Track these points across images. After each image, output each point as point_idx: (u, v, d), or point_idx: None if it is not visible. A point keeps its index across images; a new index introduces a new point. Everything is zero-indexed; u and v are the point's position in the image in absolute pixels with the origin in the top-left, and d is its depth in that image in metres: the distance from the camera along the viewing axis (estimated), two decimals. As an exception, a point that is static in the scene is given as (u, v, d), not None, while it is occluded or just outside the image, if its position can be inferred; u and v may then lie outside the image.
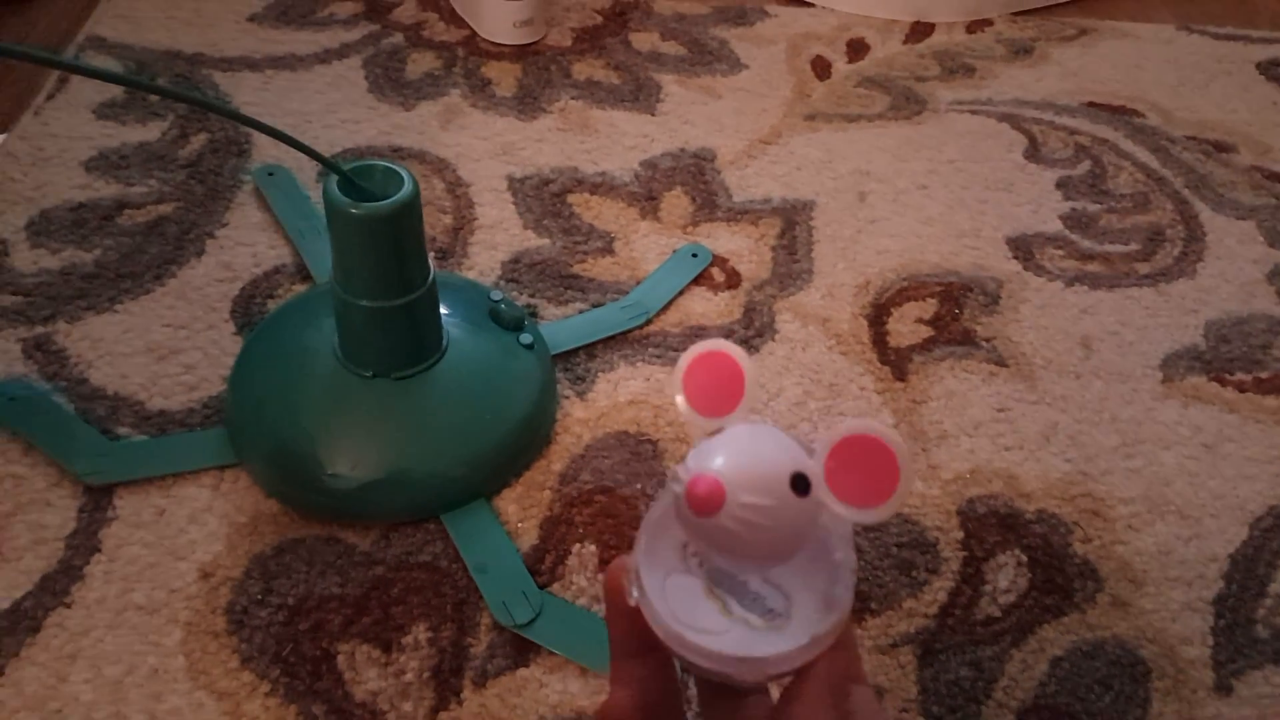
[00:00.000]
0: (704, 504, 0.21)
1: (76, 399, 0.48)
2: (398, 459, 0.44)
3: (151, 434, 0.47)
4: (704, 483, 0.21)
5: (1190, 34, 0.83)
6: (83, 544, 0.43)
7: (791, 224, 0.62)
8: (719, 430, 0.24)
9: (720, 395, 0.24)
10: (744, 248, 0.60)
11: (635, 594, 0.24)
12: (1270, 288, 0.61)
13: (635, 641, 0.26)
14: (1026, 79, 0.76)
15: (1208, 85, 0.77)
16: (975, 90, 0.75)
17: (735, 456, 0.22)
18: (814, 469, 0.22)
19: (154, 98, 0.66)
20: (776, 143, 0.68)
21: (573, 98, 0.70)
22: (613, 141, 0.66)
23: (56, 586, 0.41)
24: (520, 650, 0.41)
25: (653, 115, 0.69)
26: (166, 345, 0.51)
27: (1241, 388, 0.55)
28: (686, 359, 0.24)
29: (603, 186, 0.63)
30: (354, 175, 0.39)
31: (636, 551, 0.24)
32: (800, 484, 0.22)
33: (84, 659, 0.39)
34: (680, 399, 0.24)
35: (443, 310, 0.46)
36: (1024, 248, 0.62)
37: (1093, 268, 0.61)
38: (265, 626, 0.41)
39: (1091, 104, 0.74)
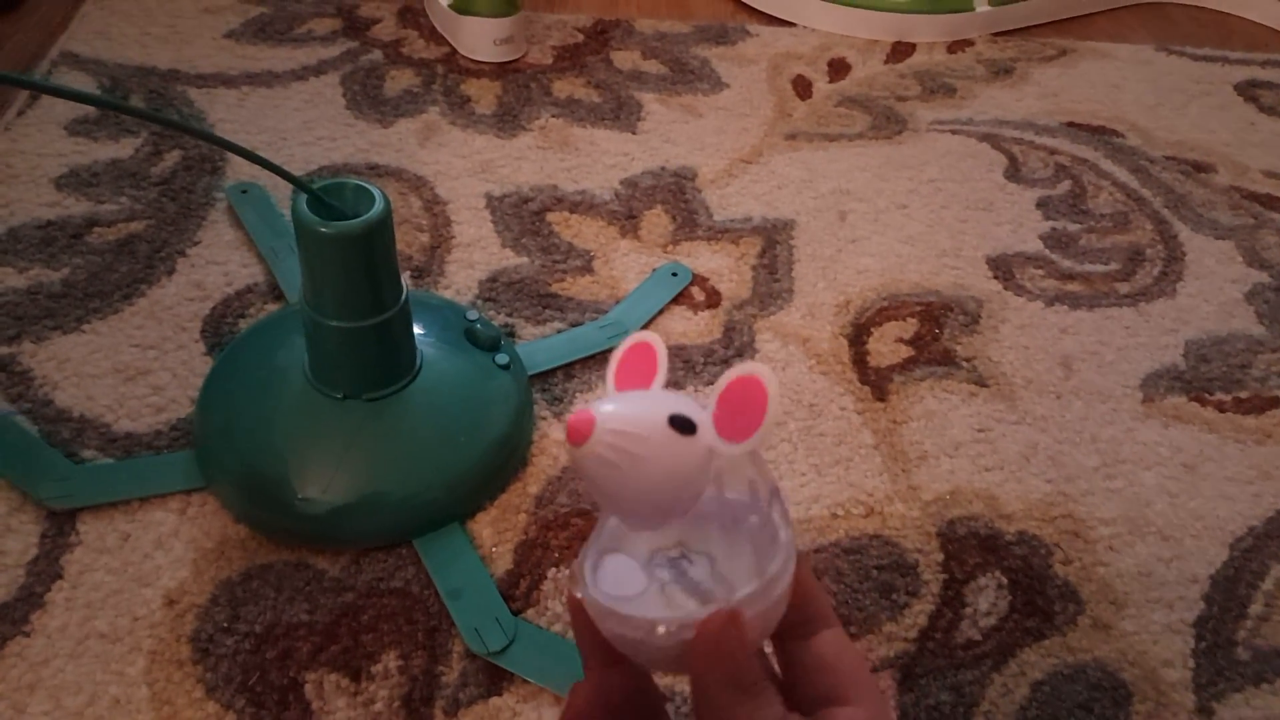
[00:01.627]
0: (573, 432, 0.22)
1: (41, 421, 0.47)
2: (370, 482, 0.43)
3: (117, 457, 0.46)
4: (577, 414, 0.23)
5: (1169, 55, 0.84)
6: (44, 570, 0.42)
7: (772, 243, 0.62)
8: None
9: (640, 377, 0.25)
10: (724, 267, 0.59)
11: (577, 589, 0.25)
12: (1249, 307, 0.61)
13: (600, 651, 0.26)
14: (1007, 99, 0.77)
15: (1186, 106, 0.78)
16: (956, 110, 0.75)
17: (618, 401, 0.23)
18: (702, 416, 0.23)
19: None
20: (757, 162, 0.68)
21: (553, 116, 0.70)
22: (593, 160, 0.66)
23: (16, 615, 0.40)
24: (493, 678, 0.40)
25: (634, 134, 0.69)
26: (135, 366, 0.50)
27: (1221, 408, 0.55)
28: (619, 352, 0.26)
29: (582, 205, 0.63)
30: (324, 194, 0.38)
31: (586, 547, 0.25)
32: (679, 423, 0.23)
33: (44, 689, 0.38)
34: (610, 382, 0.26)
35: (417, 330, 0.46)
36: (1004, 267, 0.62)
37: (1073, 287, 0.61)
38: (231, 655, 0.40)
39: (1071, 124, 0.74)
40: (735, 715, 0.23)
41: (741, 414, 0.23)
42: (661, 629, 0.23)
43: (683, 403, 0.23)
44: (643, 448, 0.23)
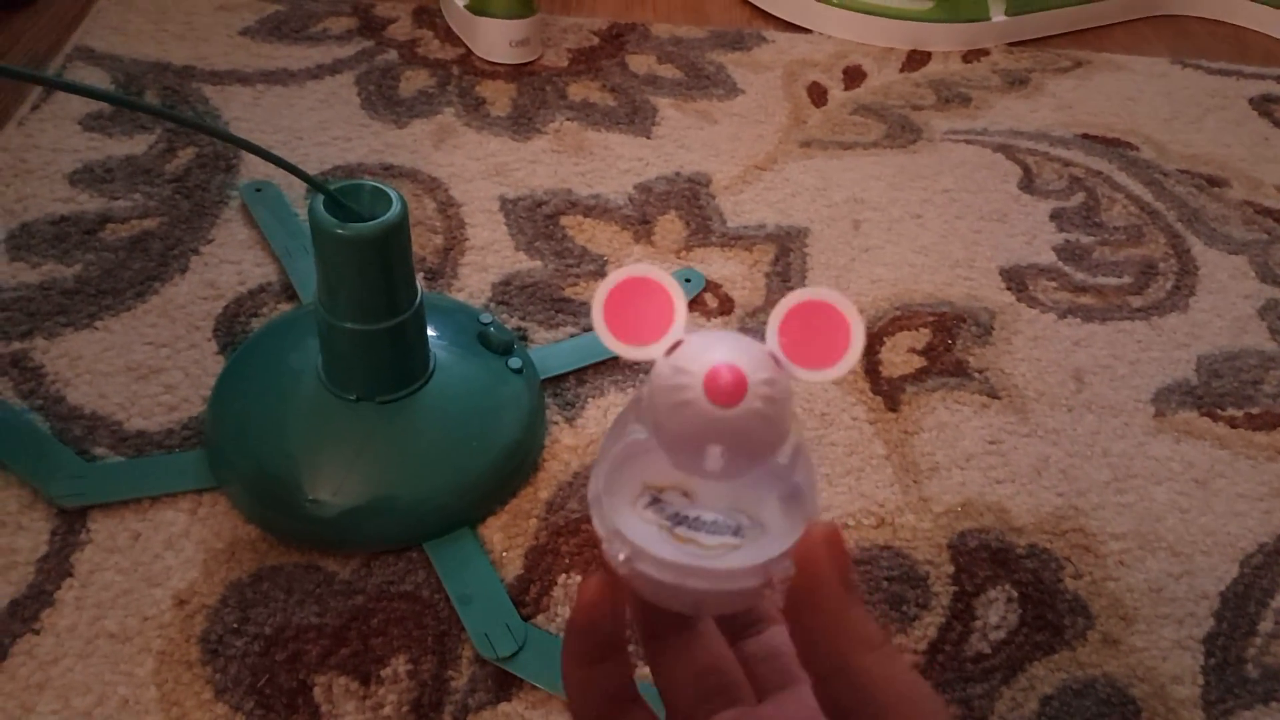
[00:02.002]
0: (732, 391, 0.20)
1: (52, 418, 0.47)
2: (381, 485, 0.43)
3: (129, 455, 0.46)
4: (725, 370, 0.20)
5: (1184, 68, 0.84)
6: (54, 568, 0.42)
7: (785, 251, 0.61)
8: (650, 359, 0.22)
9: (647, 322, 0.22)
10: (737, 274, 0.59)
11: (619, 553, 0.22)
12: (1262, 323, 0.61)
13: (600, 698, 0.25)
14: (1022, 110, 0.76)
15: (1201, 119, 0.78)
16: (970, 120, 0.75)
17: (719, 347, 0.21)
18: (773, 347, 0.22)
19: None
20: (771, 169, 0.68)
21: (568, 119, 0.70)
22: (607, 164, 0.66)
23: (25, 613, 0.40)
24: (503, 684, 0.40)
25: (648, 138, 0.69)
26: (147, 364, 0.50)
27: (1233, 423, 0.54)
28: (604, 289, 0.23)
29: (596, 209, 0.63)
30: (341, 195, 0.38)
31: (603, 515, 0.23)
32: (775, 362, 0.22)
33: (52, 689, 0.38)
34: (602, 327, 0.23)
35: (430, 333, 0.45)
36: (1017, 279, 0.62)
37: (1086, 300, 0.61)
38: (241, 656, 0.39)
39: (1086, 136, 0.74)
40: (852, 614, 0.21)
41: (815, 340, 0.22)
42: (775, 573, 0.22)
43: (749, 338, 0.22)
44: (779, 391, 0.21)
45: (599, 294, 0.23)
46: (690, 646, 0.26)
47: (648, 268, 0.23)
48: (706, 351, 0.21)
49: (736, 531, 0.22)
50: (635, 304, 0.22)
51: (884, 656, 0.21)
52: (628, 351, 0.22)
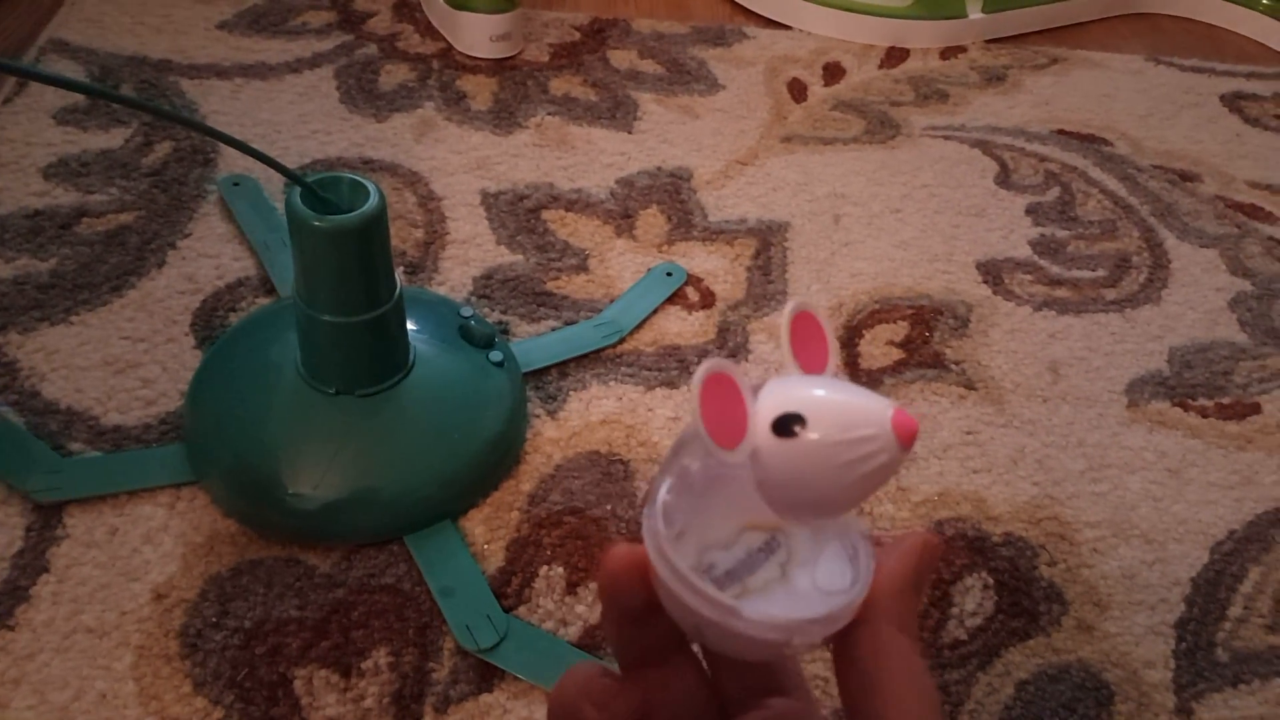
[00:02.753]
0: (914, 435, 0.20)
1: (28, 413, 0.46)
2: (361, 479, 0.43)
3: (106, 450, 0.45)
4: (911, 420, 0.20)
5: (1159, 65, 0.85)
6: (30, 564, 0.41)
7: (767, 245, 0.62)
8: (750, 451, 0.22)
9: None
10: (719, 268, 0.60)
11: (665, 568, 0.21)
12: (1232, 315, 0.62)
13: (641, 648, 0.24)
14: (999, 106, 0.77)
15: (1175, 116, 0.79)
16: (949, 116, 0.75)
17: (852, 394, 0.21)
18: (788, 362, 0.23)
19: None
20: (753, 164, 0.68)
21: (550, 114, 0.70)
22: (589, 159, 0.66)
23: (0, 609, 0.40)
24: (484, 676, 0.40)
25: (630, 133, 0.69)
26: (124, 358, 0.50)
27: (1205, 413, 0.55)
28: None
29: (578, 204, 0.63)
30: (318, 187, 0.38)
31: (659, 534, 0.22)
32: None
33: (28, 684, 0.38)
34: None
35: (411, 326, 0.45)
36: (994, 272, 0.62)
37: (1061, 293, 0.62)
38: (220, 650, 0.39)
39: (1062, 132, 0.75)
40: (909, 621, 0.22)
41: (807, 348, 0.23)
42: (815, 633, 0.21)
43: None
44: None
45: (695, 394, 0.21)
46: None
47: (715, 363, 0.22)
48: (855, 405, 0.21)
49: (787, 578, 0.22)
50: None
51: (909, 642, 0.22)
52: (729, 457, 0.21)
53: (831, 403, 0.21)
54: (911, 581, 0.23)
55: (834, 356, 0.23)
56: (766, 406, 0.21)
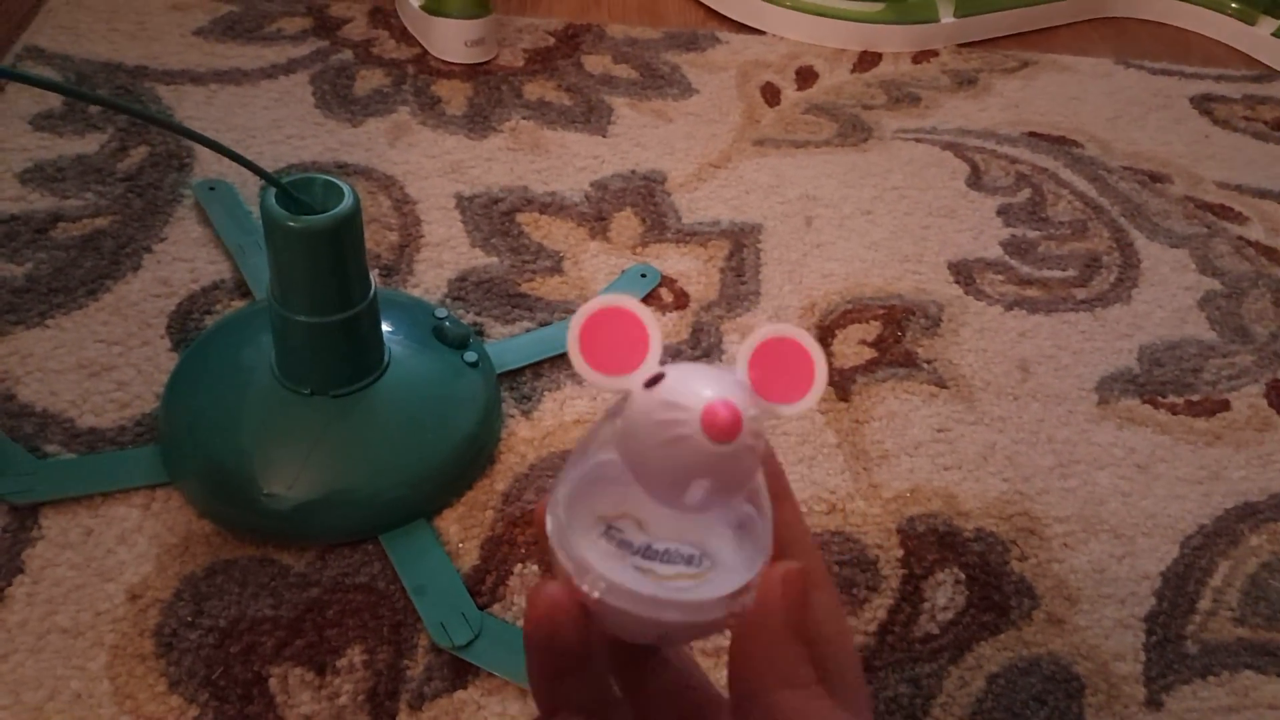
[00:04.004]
0: (730, 428, 0.20)
1: (3, 416, 0.46)
2: (336, 479, 0.43)
3: (81, 452, 0.45)
4: (724, 407, 0.20)
5: (1127, 68, 0.86)
6: (5, 565, 0.41)
7: (740, 246, 0.62)
8: (625, 390, 0.22)
9: (623, 353, 0.22)
10: (692, 269, 0.60)
11: (593, 588, 0.22)
12: (1201, 314, 0.63)
13: (558, 660, 0.24)
14: (970, 109, 0.78)
15: (1144, 118, 0.80)
16: (920, 119, 0.76)
17: (706, 382, 0.21)
18: (743, 380, 0.23)
19: (93, 109, 0.64)
20: (726, 167, 0.69)
21: (524, 118, 0.70)
22: (563, 162, 0.67)
23: (-26, 610, 0.40)
24: (458, 672, 0.40)
25: (604, 137, 0.70)
26: (99, 361, 0.50)
27: (1174, 410, 0.56)
28: (579, 319, 0.23)
29: (552, 206, 0.63)
30: (293, 188, 0.38)
31: (569, 546, 0.23)
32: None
33: (2, 684, 0.38)
34: (578, 358, 0.22)
35: (385, 327, 0.46)
36: (965, 272, 0.63)
37: (1031, 292, 0.62)
38: (195, 649, 0.39)
39: (1032, 134, 0.76)
40: (787, 650, 0.22)
41: (782, 375, 0.22)
42: (739, 602, 0.22)
43: (724, 371, 0.22)
44: (761, 425, 0.22)
45: (574, 325, 0.23)
46: (662, 669, 0.26)
47: (623, 298, 0.23)
48: (695, 387, 0.21)
49: (690, 561, 0.23)
50: (610, 334, 0.22)
51: (807, 695, 0.22)
52: (604, 382, 0.22)
53: (692, 378, 0.21)
54: (784, 634, 0.22)
55: (816, 388, 0.22)
56: (655, 366, 0.22)
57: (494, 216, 0.62)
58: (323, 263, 0.40)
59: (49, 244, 0.55)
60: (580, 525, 0.23)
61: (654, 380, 0.22)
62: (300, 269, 0.40)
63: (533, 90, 0.73)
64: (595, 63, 0.77)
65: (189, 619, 0.40)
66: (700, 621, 0.22)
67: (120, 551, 0.42)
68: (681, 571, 0.23)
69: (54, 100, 0.65)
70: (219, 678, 0.39)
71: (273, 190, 0.38)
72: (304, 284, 0.40)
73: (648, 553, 0.23)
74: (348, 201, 0.39)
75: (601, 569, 0.22)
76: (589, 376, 0.22)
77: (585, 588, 0.22)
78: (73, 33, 0.71)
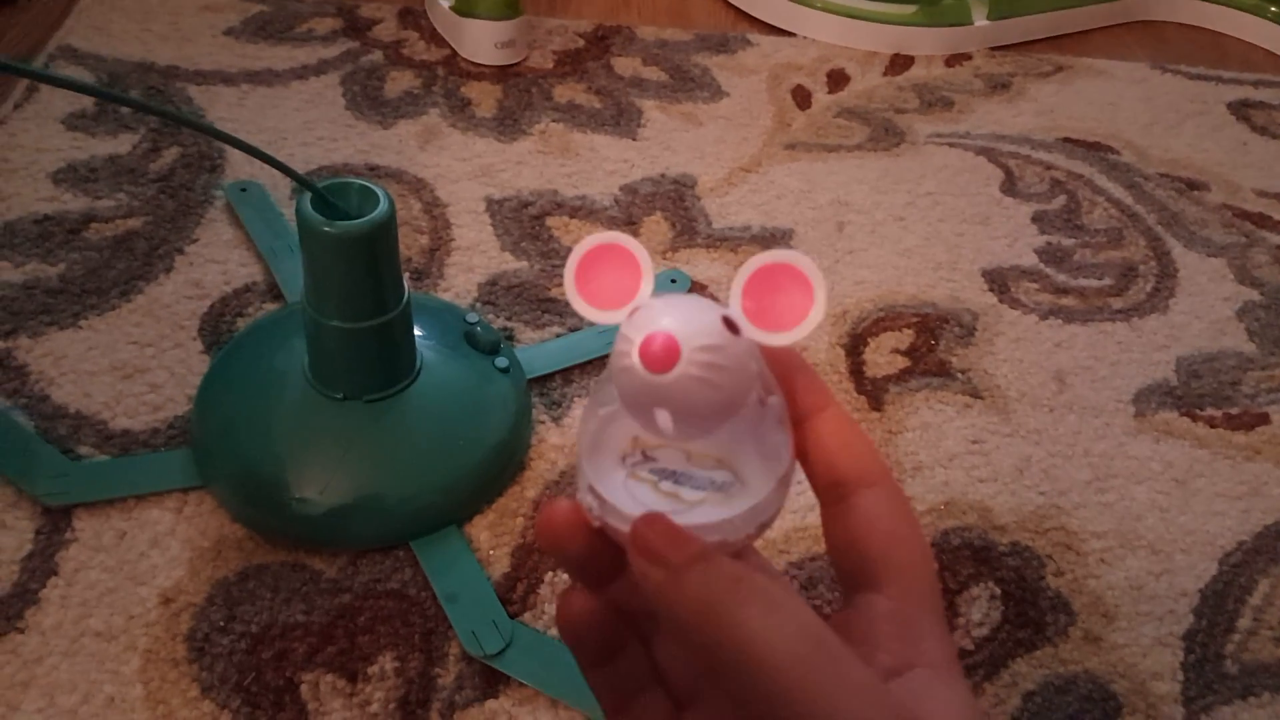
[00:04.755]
0: (662, 358, 0.21)
1: (37, 417, 0.47)
2: (368, 484, 0.43)
3: (114, 454, 0.46)
4: (658, 338, 0.21)
5: (1164, 73, 0.85)
6: (39, 567, 0.41)
7: (770, 252, 0.62)
8: (615, 323, 0.23)
9: (617, 288, 0.23)
10: (723, 275, 0.60)
11: (595, 507, 0.23)
12: (1240, 325, 0.62)
13: (594, 652, 0.25)
14: (1004, 114, 0.77)
15: (1181, 124, 0.79)
16: (953, 124, 0.75)
17: (668, 313, 0.21)
18: (735, 310, 0.22)
19: (126, 109, 0.65)
20: (757, 171, 0.68)
21: (553, 120, 0.70)
22: (593, 166, 0.66)
23: (10, 611, 0.40)
24: (490, 681, 0.40)
25: (634, 140, 0.69)
26: (132, 363, 0.50)
27: (1212, 423, 0.55)
28: (577, 254, 0.23)
29: (582, 210, 0.63)
30: (329, 193, 0.38)
31: (582, 471, 0.24)
32: (729, 324, 0.22)
33: (37, 687, 0.38)
34: (573, 292, 0.23)
35: (417, 332, 0.46)
36: (999, 280, 0.62)
37: (1067, 302, 0.62)
38: (227, 655, 0.39)
39: (1067, 140, 0.75)
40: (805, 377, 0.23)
41: (774, 304, 0.22)
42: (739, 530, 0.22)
43: (715, 304, 0.22)
44: (724, 358, 0.21)
45: (572, 259, 0.23)
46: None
47: (619, 235, 0.23)
48: (654, 317, 0.21)
49: (720, 487, 0.23)
50: (606, 270, 0.23)
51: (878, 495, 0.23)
52: (593, 315, 0.23)
53: (662, 310, 0.22)
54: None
55: (814, 314, 0.22)
56: (645, 300, 0.23)
57: (524, 220, 0.61)
58: (358, 269, 0.39)
59: (82, 245, 0.56)
60: (609, 453, 0.24)
61: (635, 313, 0.22)
62: (335, 275, 0.39)
63: (562, 93, 0.73)
64: (625, 65, 0.77)
65: (221, 624, 0.40)
66: (728, 541, 0.22)
67: (153, 555, 0.42)
68: (704, 496, 0.23)
69: (87, 100, 0.65)
70: (250, 684, 0.39)
71: (308, 195, 0.38)
72: (339, 289, 0.40)
73: (678, 478, 0.23)
74: (383, 207, 0.39)
75: (608, 492, 0.23)
76: (582, 310, 0.23)
77: (611, 521, 0.22)
78: (105, 33, 0.72)
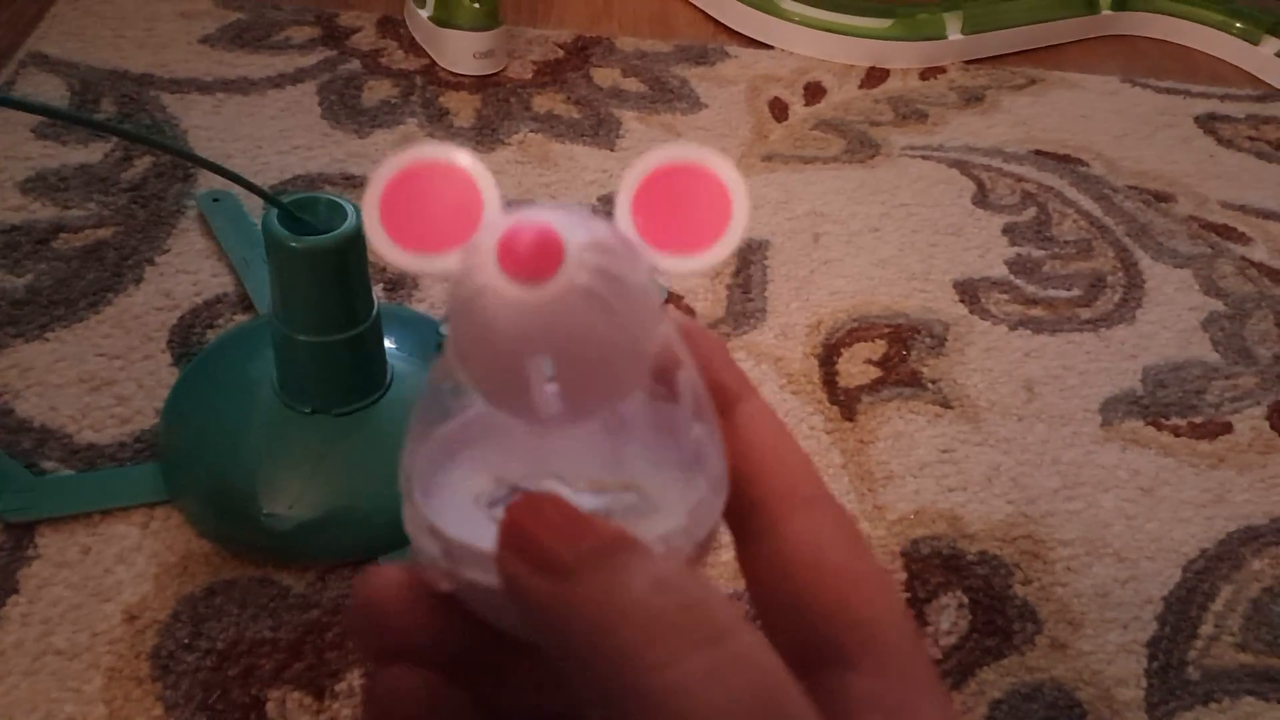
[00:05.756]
0: (536, 253, 0.14)
1: (1, 431, 0.46)
2: (337, 498, 0.43)
3: (80, 469, 0.45)
4: (527, 228, 0.14)
5: (1135, 86, 0.86)
6: (0, 585, 0.41)
7: (747, 263, 0.62)
8: (445, 272, 0.16)
9: (446, 225, 0.16)
10: (699, 285, 0.60)
11: (439, 559, 0.16)
12: (1205, 335, 0.63)
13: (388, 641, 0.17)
14: (977, 126, 0.78)
15: (1151, 136, 0.80)
16: (928, 136, 0.76)
17: (544, 213, 0.15)
18: (623, 227, 0.16)
19: (97, 116, 0.64)
20: (731, 181, 0.69)
21: (532, 131, 0.70)
22: (572, 175, 0.67)
23: (-30, 629, 0.40)
24: (458, 696, 0.40)
25: (612, 151, 0.69)
26: (100, 376, 0.49)
27: (1177, 432, 0.56)
28: (382, 179, 0.16)
29: (557, 221, 0.63)
30: (295, 208, 0.38)
31: (415, 508, 0.16)
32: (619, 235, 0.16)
33: (-3, 706, 0.38)
34: (377, 232, 0.16)
35: (388, 344, 0.45)
36: (970, 291, 0.63)
37: (1036, 312, 0.62)
38: (192, 672, 0.39)
39: (1039, 152, 0.76)
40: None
41: (683, 218, 0.16)
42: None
43: (589, 211, 0.16)
44: (624, 266, 0.15)
45: (373, 186, 0.16)
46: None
47: (444, 149, 0.16)
48: (539, 211, 0.15)
49: (629, 510, 0.16)
50: (428, 201, 0.16)
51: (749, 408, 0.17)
52: (408, 262, 0.16)
53: (493, 221, 0.16)
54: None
55: (732, 232, 0.16)
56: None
57: (498, 231, 0.61)
58: (326, 283, 0.39)
59: (50, 255, 0.55)
60: (458, 493, 0.17)
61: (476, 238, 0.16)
62: (303, 289, 0.39)
63: (541, 103, 0.73)
64: (604, 75, 0.77)
65: (186, 641, 0.40)
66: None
67: (119, 571, 0.42)
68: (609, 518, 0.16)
69: (63, 108, 0.65)
70: (216, 701, 0.38)
71: (275, 210, 0.38)
72: (306, 304, 0.40)
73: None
74: (351, 221, 0.39)
75: (456, 531, 0.16)
76: (393, 258, 0.16)
77: (469, 573, 0.15)
78: (79, 39, 0.71)
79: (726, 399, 0.17)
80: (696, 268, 0.16)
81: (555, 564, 0.14)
